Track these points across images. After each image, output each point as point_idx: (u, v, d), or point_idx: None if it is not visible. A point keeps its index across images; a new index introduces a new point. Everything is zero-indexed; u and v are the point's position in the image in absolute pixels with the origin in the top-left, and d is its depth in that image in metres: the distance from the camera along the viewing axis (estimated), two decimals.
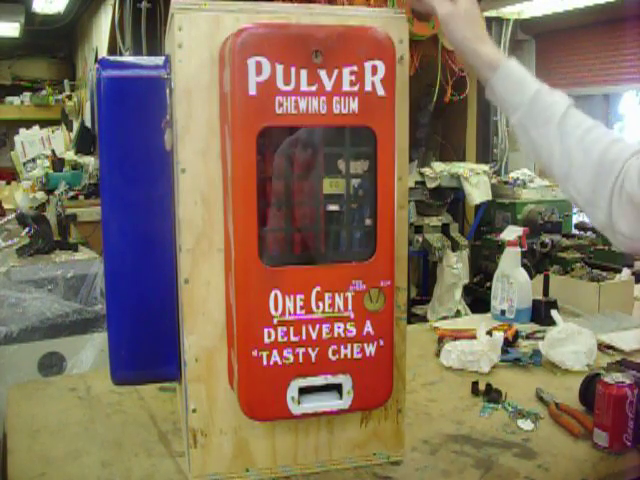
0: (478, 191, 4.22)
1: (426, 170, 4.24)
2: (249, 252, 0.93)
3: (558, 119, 1.00)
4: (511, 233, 2.04)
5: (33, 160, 5.89)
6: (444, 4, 1.05)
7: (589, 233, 3.64)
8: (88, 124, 5.46)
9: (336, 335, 0.98)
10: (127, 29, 4.28)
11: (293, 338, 0.96)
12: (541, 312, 1.87)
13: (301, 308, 0.96)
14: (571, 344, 1.55)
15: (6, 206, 4.40)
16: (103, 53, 5.12)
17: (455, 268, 4.07)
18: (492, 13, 4.69)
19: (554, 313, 1.69)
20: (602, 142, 1.00)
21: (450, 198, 4.31)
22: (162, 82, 1.06)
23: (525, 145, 1.05)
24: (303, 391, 0.98)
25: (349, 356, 0.98)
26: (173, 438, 1.23)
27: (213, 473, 1.08)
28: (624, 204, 0.97)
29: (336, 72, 0.92)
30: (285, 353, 0.96)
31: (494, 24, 4.93)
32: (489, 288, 2.02)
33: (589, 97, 4.92)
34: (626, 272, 2.12)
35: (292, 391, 0.97)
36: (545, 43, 5.08)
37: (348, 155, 0.98)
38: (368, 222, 0.99)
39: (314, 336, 0.97)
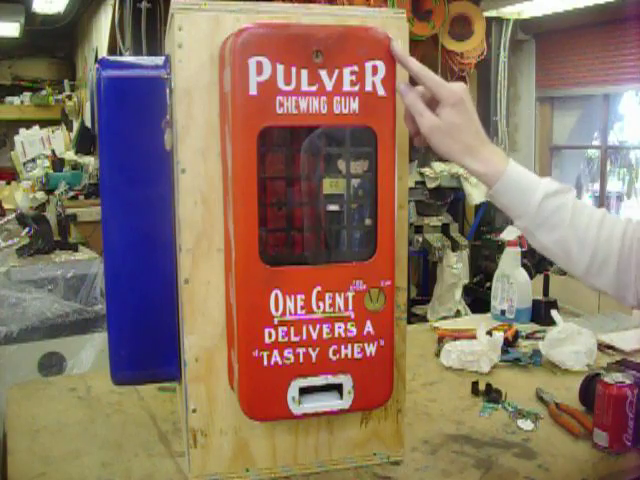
0: (478, 191, 4.22)
1: (426, 170, 4.25)
2: (249, 252, 0.93)
3: (568, 222, 0.98)
4: (511, 233, 2.04)
5: (33, 160, 5.89)
6: (427, 119, 0.97)
7: None
8: (88, 124, 5.46)
9: (337, 335, 0.98)
10: (127, 29, 4.28)
11: (294, 338, 0.96)
12: (541, 312, 1.87)
13: (302, 308, 0.96)
14: (571, 344, 1.55)
15: (6, 206, 4.40)
16: (103, 53, 5.12)
17: (455, 268, 4.08)
18: (492, 13, 4.69)
19: (554, 313, 1.69)
20: (618, 230, 0.99)
21: (450, 198, 4.31)
22: (162, 82, 1.06)
23: (534, 245, 1.04)
24: (303, 391, 0.98)
25: (349, 356, 0.98)
26: (173, 438, 1.23)
27: (213, 473, 1.08)
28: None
29: (337, 72, 0.93)
30: (286, 353, 0.96)
31: (494, 24, 4.93)
32: (489, 288, 2.02)
33: (589, 97, 4.92)
34: None
35: (293, 391, 0.97)
36: (545, 43, 5.08)
37: (348, 155, 0.98)
38: (368, 222, 0.99)
39: (315, 336, 0.97)
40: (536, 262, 3.19)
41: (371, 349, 0.99)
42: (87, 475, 1.11)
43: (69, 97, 6.80)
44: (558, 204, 0.98)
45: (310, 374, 0.97)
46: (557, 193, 0.98)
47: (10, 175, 6.09)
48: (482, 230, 4.50)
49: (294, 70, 0.91)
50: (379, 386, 1.02)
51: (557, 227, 0.98)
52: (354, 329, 0.98)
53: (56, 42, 7.61)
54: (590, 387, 1.29)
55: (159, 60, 1.08)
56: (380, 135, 0.95)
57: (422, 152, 4.94)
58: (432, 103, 0.98)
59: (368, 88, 0.94)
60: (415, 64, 0.97)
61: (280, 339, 0.96)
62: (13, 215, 3.00)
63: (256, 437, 1.08)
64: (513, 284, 1.88)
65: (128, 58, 1.19)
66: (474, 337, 1.61)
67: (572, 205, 0.99)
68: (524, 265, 1.97)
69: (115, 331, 1.14)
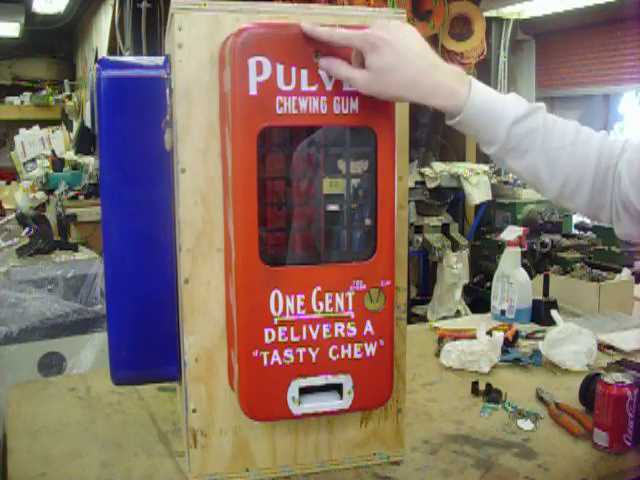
0: (478, 191, 4.22)
1: (426, 170, 4.24)
2: (249, 252, 0.93)
3: (539, 147, 0.92)
4: (511, 233, 2.04)
5: (33, 160, 5.89)
6: (356, 79, 0.90)
7: (589, 233, 3.65)
8: (88, 124, 5.46)
9: (336, 335, 0.98)
10: (127, 29, 4.28)
11: (294, 338, 0.96)
12: (541, 312, 1.87)
13: (302, 308, 0.96)
14: (571, 344, 1.55)
15: (6, 206, 4.41)
16: (103, 53, 5.12)
17: (455, 268, 4.07)
18: (492, 13, 4.70)
19: (554, 313, 1.69)
20: (592, 151, 0.94)
21: (450, 198, 4.31)
22: (162, 82, 1.06)
23: (506, 168, 1.00)
24: (303, 391, 0.98)
25: (349, 356, 0.98)
26: (173, 438, 1.23)
27: (213, 473, 1.08)
28: (619, 207, 0.94)
29: None
30: (286, 353, 0.96)
31: (494, 24, 4.94)
32: (489, 288, 2.02)
33: (589, 97, 4.93)
34: (626, 272, 2.12)
35: (292, 391, 0.97)
36: (545, 43, 5.08)
37: (348, 155, 0.98)
38: (368, 222, 0.99)
39: (314, 336, 0.97)
40: (536, 262, 3.19)
41: (371, 349, 0.99)
42: (87, 475, 1.11)
43: (69, 97, 6.80)
44: (528, 128, 0.92)
45: (310, 374, 0.97)
46: (527, 116, 0.92)
47: (10, 175, 6.10)
48: (482, 230, 4.50)
49: (294, 70, 0.91)
50: (379, 386, 1.02)
51: (527, 152, 0.92)
52: (354, 329, 0.98)
53: (56, 42, 7.61)
54: (590, 387, 1.29)
55: (159, 60, 1.08)
56: (380, 135, 0.95)
57: (422, 152, 4.95)
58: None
59: None
60: (322, 31, 0.90)
61: (280, 339, 0.96)
62: (13, 215, 3.00)
63: (256, 437, 1.08)
64: (513, 284, 1.88)
65: (128, 58, 1.19)
66: (474, 337, 1.61)
67: (543, 127, 0.92)
68: (524, 265, 1.97)
69: (115, 331, 1.14)
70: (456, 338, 1.66)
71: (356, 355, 0.99)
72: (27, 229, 2.78)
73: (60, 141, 6.26)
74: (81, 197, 4.50)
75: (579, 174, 0.94)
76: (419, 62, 0.90)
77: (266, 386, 0.97)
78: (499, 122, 0.91)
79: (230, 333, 1.03)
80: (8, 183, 5.72)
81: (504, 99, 0.93)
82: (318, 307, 0.96)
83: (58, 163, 5.24)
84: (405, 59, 0.89)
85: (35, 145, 6.09)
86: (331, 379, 0.99)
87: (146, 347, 1.15)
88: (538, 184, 0.97)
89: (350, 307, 0.97)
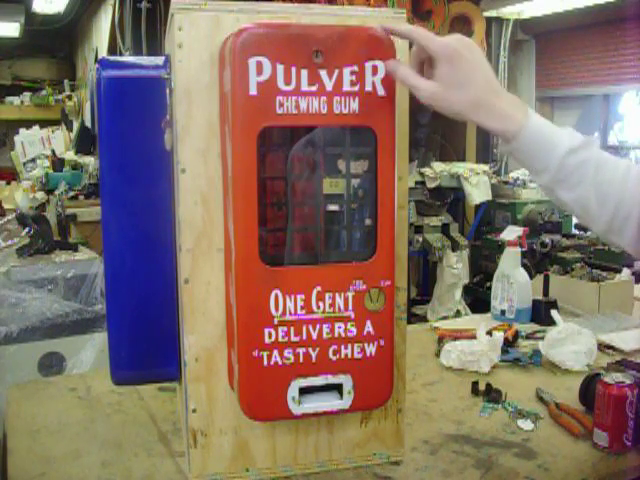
0: (478, 191, 4.22)
1: (426, 170, 4.25)
2: (249, 252, 0.93)
3: (591, 179, 0.92)
4: (511, 233, 2.04)
5: (33, 160, 5.90)
6: (423, 89, 0.91)
7: (589, 233, 3.65)
8: (88, 124, 5.46)
9: (337, 335, 0.98)
10: (127, 29, 4.28)
11: (294, 338, 0.96)
12: (541, 312, 1.87)
13: (302, 308, 0.96)
14: (571, 344, 1.55)
15: (6, 206, 4.41)
16: (103, 53, 5.12)
17: (455, 268, 4.08)
18: (492, 13, 4.70)
19: (554, 313, 1.69)
20: None
21: (450, 198, 4.31)
22: (162, 82, 1.06)
23: (554, 200, 0.99)
24: (303, 391, 0.98)
25: (349, 356, 0.98)
26: (173, 438, 1.23)
27: (213, 473, 1.08)
28: None
29: (337, 72, 0.92)
30: (286, 353, 0.96)
31: (494, 24, 4.94)
32: (489, 288, 2.02)
33: (589, 97, 4.93)
34: (626, 272, 2.12)
35: (292, 391, 0.97)
36: (545, 43, 5.09)
37: (348, 155, 0.98)
38: (368, 222, 0.99)
39: (314, 336, 0.97)
40: (536, 262, 3.19)
41: (371, 349, 0.99)
42: (87, 475, 1.11)
43: (69, 97, 6.80)
44: (581, 160, 0.92)
45: (310, 374, 0.97)
46: (581, 148, 0.92)
47: (10, 175, 6.10)
48: (482, 230, 4.50)
49: (294, 70, 0.91)
50: (379, 386, 1.02)
51: (579, 184, 0.92)
52: (354, 329, 0.98)
53: (56, 42, 7.62)
54: (590, 387, 1.29)
55: (159, 60, 1.08)
56: (380, 135, 0.95)
57: (422, 152, 4.95)
58: (431, 64, 0.93)
59: (368, 88, 0.94)
60: (404, 26, 0.94)
61: (280, 339, 0.96)
62: (13, 215, 3.00)
63: (256, 437, 1.08)
64: (513, 284, 1.88)
65: (128, 58, 1.19)
66: (474, 337, 1.61)
67: (596, 159, 0.93)
68: (524, 265, 1.97)
69: (115, 331, 1.14)
70: (456, 338, 1.66)
71: (356, 355, 0.99)
72: (27, 229, 2.78)
73: (60, 141, 6.26)
74: (81, 197, 4.50)
75: (628, 207, 0.93)
76: (485, 85, 0.92)
77: (266, 386, 0.97)
78: (553, 150, 0.92)
79: (230, 333, 1.03)
80: (8, 183, 5.72)
81: (559, 130, 0.94)
82: (318, 307, 0.96)
83: (58, 163, 5.24)
84: (475, 78, 0.91)
85: (35, 145, 6.09)
86: (331, 379, 0.99)
87: (146, 347, 1.15)
88: (587, 217, 0.96)
89: (350, 307, 0.97)
